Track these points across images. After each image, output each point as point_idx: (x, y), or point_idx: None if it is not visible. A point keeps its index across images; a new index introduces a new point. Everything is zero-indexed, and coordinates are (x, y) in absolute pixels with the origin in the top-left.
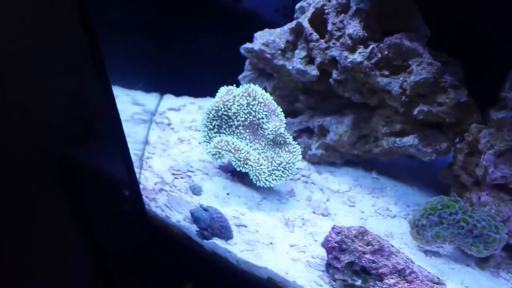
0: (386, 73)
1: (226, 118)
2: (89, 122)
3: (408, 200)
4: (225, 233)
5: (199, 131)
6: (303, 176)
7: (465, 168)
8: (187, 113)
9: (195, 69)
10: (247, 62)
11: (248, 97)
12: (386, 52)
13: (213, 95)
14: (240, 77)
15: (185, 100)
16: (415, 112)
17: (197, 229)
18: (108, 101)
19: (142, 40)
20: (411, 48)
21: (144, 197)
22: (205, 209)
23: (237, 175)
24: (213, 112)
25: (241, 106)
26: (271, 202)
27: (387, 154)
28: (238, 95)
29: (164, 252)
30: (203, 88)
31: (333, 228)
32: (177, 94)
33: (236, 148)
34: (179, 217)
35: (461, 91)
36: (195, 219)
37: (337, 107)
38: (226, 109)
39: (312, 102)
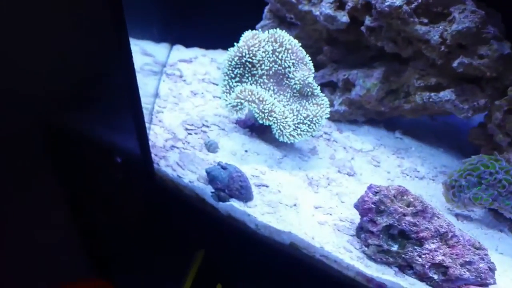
0: (425, 20)
1: (249, 66)
2: (98, 70)
3: (435, 161)
4: (245, 194)
5: (213, 84)
6: (325, 133)
7: (502, 127)
8: (199, 65)
9: (206, 19)
10: (266, 10)
11: (274, 43)
12: None
13: (225, 47)
14: (258, 26)
15: (196, 51)
16: (455, 64)
17: (213, 190)
18: (121, 46)
19: None
20: None
21: (153, 155)
22: (224, 168)
23: (256, 130)
24: (235, 58)
25: (266, 53)
26: (292, 160)
27: (418, 111)
28: (264, 41)
29: (172, 217)
30: (215, 39)
31: (370, 188)
32: (187, 45)
33: (261, 99)
34: (192, 177)
35: (504, 43)
36: (211, 178)
37: (364, 59)
38: (251, 55)
39: (337, 54)
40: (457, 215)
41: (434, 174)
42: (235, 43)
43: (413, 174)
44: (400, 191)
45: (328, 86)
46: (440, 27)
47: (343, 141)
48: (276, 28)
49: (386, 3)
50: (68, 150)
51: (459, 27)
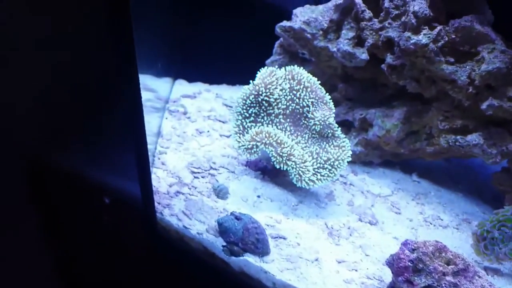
0: (452, 60)
1: (266, 104)
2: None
3: (455, 208)
4: (261, 248)
5: (219, 121)
6: (340, 176)
7: None
8: (204, 101)
9: (210, 53)
10: (276, 45)
11: (291, 81)
12: (453, 36)
13: (230, 82)
14: (268, 61)
15: (199, 86)
16: (484, 106)
17: (224, 243)
18: (127, 77)
19: (154, 22)
20: (483, 32)
21: (155, 203)
22: (238, 218)
23: (268, 173)
24: (251, 97)
25: (283, 91)
26: (308, 207)
27: (442, 154)
28: (281, 78)
29: (177, 273)
30: (218, 74)
31: (405, 244)
32: (190, 80)
33: (279, 141)
34: (200, 228)
35: None
36: (223, 230)
37: (381, 98)
38: (268, 93)
39: (352, 92)
40: (485, 268)
41: (457, 222)
42: (250, 81)
43: (436, 222)
44: (438, 247)
45: (342, 125)
46: (467, 67)
47: (359, 184)
48: (287, 64)
49: (412, 41)
50: (57, 191)
51: (489, 67)
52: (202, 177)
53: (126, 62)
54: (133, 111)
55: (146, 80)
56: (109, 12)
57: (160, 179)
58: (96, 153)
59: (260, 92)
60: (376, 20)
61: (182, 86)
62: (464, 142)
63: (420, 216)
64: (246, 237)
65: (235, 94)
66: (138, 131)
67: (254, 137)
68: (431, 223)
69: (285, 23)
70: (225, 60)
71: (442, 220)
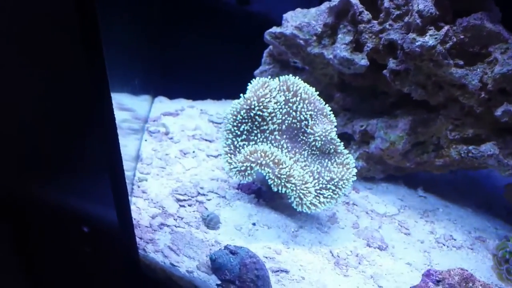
0: (461, 62)
1: (259, 120)
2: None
3: (466, 225)
4: (262, 286)
5: (206, 140)
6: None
7: None
8: (187, 118)
9: (192, 68)
10: (265, 54)
11: (286, 92)
12: (461, 36)
13: (215, 97)
14: (256, 72)
15: (181, 103)
16: (498, 112)
17: (219, 282)
18: (100, 97)
19: (129, 35)
20: (494, 31)
21: (137, 239)
22: (233, 252)
23: (263, 196)
24: (242, 112)
25: (278, 103)
26: (310, 232)
27: (452, 166)
28: (275, 89)
29: None
30: (202, 89)
31: (428, 275)
32: (171, 96)
33: (276, 161)
34: (190, 265)
35: None
36: (217, 267)
37: (381, 107)
38: (261, 107)
39: (350, 101)
40: None
41: (471, 241)
42: (241, 94)
43: (449, 243)
44: (464, 276)
45: (341, 138)
46: (479, 70)
47: (363, 204)
48: (278, 74)
49: (417, 43)
50: (32, 222)
51: (504, 69)
52: (189, 205)
53: (96, 80)
54: (106, 135)
55: (121, 99)
56: (78, 30)
57: (140, 210)
58: (70, 182)
59: (253, 106)
60: (375, 22)
61: (162, 104)
62: (477, 153)
63: (431, 236)
64: (244, 274)
65: (222, 109)
66: (113, 156)
67: (248, 157)
68: (444, 244)
69: (275, 29)
70: (208, 73)
71: (455, 240)
